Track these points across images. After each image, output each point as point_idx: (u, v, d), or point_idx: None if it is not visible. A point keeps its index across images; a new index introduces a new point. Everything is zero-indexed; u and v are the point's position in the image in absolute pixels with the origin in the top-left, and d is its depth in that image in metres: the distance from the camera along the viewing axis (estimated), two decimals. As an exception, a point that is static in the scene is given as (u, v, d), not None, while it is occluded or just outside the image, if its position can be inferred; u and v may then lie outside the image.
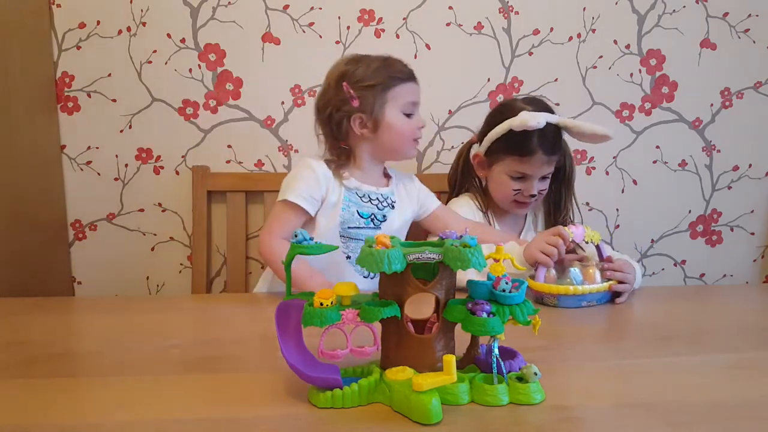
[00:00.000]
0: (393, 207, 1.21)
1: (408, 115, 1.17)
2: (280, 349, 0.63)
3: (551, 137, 1.19)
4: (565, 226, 1.19)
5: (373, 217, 1.17)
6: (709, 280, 1.71)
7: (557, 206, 1.30)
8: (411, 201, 1.25)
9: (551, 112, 1.20)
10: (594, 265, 1.07)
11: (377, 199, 1.19)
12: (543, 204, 1.32)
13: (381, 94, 1.15)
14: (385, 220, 1.19)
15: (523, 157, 1.20)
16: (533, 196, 1.23)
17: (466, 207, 1.31)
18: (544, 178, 1.24)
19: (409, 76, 1.18)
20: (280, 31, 1.46)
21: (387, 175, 1.26)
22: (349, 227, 1.15)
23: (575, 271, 1.04)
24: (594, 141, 1.19)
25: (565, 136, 1.23)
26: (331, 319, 0.61)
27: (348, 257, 1.16)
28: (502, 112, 1.23)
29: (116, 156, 1.48)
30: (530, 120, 1.14)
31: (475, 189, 1.35)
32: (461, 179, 1.36)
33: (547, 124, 1.16)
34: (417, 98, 1.19)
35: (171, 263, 1.54)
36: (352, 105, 1.14)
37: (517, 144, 1.19)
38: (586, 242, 1.06)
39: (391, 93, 1.15)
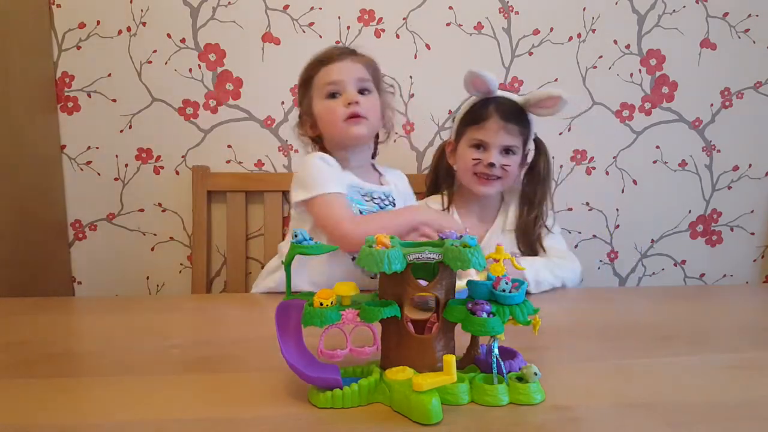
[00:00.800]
0: (394, 205, 1.19)
1: (333, 97, 1.12)
2: (280, 349, 0.63)
3: (508, 106, 1.20)
4: (537, 228, 1.20)
5: None
6: (709, 280, 1.71)
7: (529, 205, 1.25)
8: (404, 201, 1.23)
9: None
10: None
11: (380, 197, 1.17)
12: (516, 203, 1.27)
13: (306, 90, 1.15)
14: None
15: (479, 123, 1.21)
16: (492, 165, 1.19)
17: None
18: (506, 152, 1.21)
19: (328, 58, 1.14)
20: (280, 31, 1.46)
21: (378, 172, 1.25)
22: None
23: None
24: (551, 108, 1.17)
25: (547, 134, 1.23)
26: (331, 319, 0.61)
27: (353, 258, 1.11)
28: None
29: (116, 156, 1.48)
30: (471, 68, 1.16)
31: (447, 189, 1.32)
32: (434, 180, 1.35)
33: (505, 97, 1.20)
34: (337, 77, 1.12)
35: (171, 263, 1.54)
36: (300, 111, 1.17)
37: (475, 113, 1.22)
38: None
39: (313, 84, 1.14)
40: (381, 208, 1.15)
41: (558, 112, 1.18)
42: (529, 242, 1.23)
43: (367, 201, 1.15)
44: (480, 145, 1.21)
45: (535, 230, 1.23)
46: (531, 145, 1.26)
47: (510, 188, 1.29)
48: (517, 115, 1.20)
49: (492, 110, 1.20)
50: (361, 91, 1.14)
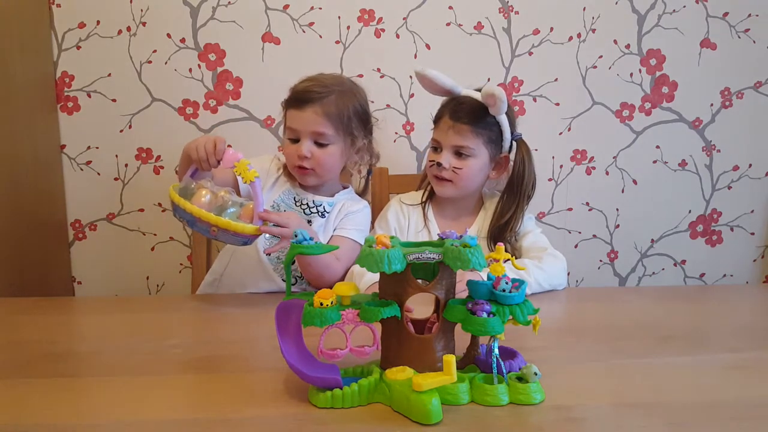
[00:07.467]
0: (323, 216, 1.21)
1: (293, 141, 1.17)
2: (280, 349, 0.63)
3: (462, 106, 1.16)
4: (508, 232, 1.18)
5: None
6: (709, 280, 1.71)
7: (504, 210, 1.20)
8: (336, 219, 1.22)
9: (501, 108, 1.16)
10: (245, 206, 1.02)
11: (307, 204, 1.21)
12: (495, 208, 1.23)
13: (285, 117, 1.20)
14: (309, 225, 1.19)
15: (436, 123, 1.22)
16: (439, 165, 1.17)
17: (390, 211, 1.28)
18: (459, 155, 1.17)
19: (297, 102, 1.15)
20: (280, 31, 1.46)
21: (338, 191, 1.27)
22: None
23: (232, 209, 1.01)
24: (494, 107, 1.12)
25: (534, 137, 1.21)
26: (331, 319, 0.62)
27: (268, 254, 1.17)
28: None
29: (116, 156, 1.48)
30: (416, 68, 1.16)
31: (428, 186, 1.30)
32: (423, 178, 1.32)
33: (466, 96, 1.17)
34: (296, 126, 1.15)
35: (171, 263, 1.54)
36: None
37: (436, 114, 1.23)
38: (237, 173, 1.00)
39: (285, 115, 1.20)
40: (306, 214, 1.21)
41: (499, 111, 1.13)
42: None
43: (296, 206, 1.21)
44: (437, 147, 1.21)
45: (504, 237, 1.18)
46: (506, 148, 1.21)
47: (491, 193, 1.28)
48: (471, 114, 1.15)
49: (444, 110, 1.20)
50: (319, 143, 1.16)
